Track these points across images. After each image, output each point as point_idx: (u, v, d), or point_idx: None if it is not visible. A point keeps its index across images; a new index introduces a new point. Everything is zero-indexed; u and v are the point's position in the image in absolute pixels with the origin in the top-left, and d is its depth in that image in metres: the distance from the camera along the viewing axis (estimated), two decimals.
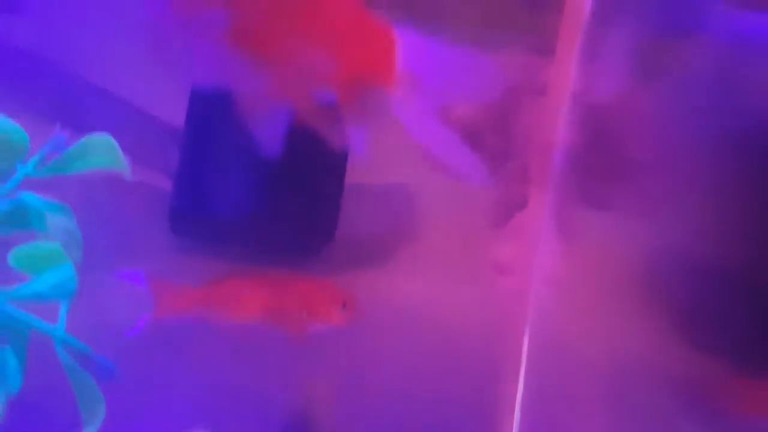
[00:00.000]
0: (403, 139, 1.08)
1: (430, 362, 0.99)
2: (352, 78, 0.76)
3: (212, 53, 0.86)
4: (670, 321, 1.02)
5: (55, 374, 0.54)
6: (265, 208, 0.96)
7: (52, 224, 0.53)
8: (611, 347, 0.97)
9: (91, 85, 0.99)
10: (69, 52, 0.98)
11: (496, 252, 1.09)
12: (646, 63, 0.96)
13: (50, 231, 0.53)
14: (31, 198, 0.58)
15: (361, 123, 0.79)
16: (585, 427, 0.97)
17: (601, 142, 1.00)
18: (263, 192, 0.95)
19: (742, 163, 0.98)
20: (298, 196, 0.98)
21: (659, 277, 1.04)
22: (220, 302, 0.89)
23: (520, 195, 1.09)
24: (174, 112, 0.99)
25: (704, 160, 0.98)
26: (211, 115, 0.94)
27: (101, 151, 0.62)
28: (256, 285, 0.92)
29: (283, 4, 0.74)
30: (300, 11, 0.73)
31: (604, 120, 0.98)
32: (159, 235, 0.99)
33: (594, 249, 1.02)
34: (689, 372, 0.99)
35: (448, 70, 0.81)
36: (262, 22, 0.74)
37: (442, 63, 0.80)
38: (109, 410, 0.54)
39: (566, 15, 0.98)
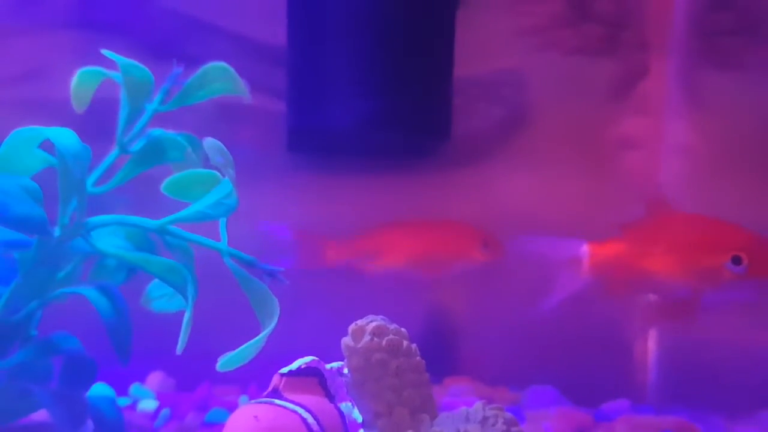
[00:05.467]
0: (509, 22, 1.02)
1: None
2: None
3: None
4: None
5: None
6: (378, 114, 0.93)
7: (208, 146, 0.52)
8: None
9: (187, 18, 0.96)
10: None
11: (620, 127, 1.04)
12: None
13: (208, 153, 0.53)
14: (162, 133, 0.58)
15: None
16: None
17: None
18: (374, 97, 0.92)
19: None
20: (409, 97, 0.94)
21: None
22: (369, 253, 0.91)
23: (639, 63, 1.04)
24: (272, 32, 0.95)
25: None
26: (315, 28, 0.90)
27: (220, 78, 0.61)
28: (403, 235, 0.93)
29: None
30: None
31: None
32: (276, 155, 0.97)
33: (727, 113, 0.95)
34: None
35: None
36: None
37: None
38: None
39: None
